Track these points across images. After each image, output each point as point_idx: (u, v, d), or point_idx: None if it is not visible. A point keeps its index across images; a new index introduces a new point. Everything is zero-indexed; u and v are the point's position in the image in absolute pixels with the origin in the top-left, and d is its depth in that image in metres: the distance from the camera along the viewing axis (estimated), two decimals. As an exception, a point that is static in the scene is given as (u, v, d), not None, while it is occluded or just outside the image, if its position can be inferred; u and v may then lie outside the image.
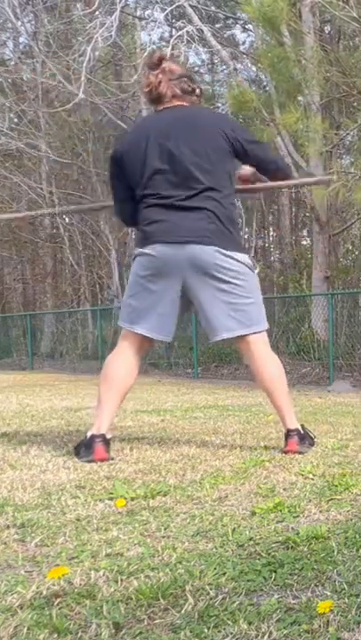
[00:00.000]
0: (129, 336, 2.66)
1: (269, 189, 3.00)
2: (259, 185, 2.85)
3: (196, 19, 10.61)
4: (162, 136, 2.58)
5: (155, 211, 2.59)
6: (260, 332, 2.68)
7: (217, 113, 3.04)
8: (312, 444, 2.77)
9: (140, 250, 2.61)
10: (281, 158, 2.88)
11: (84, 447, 2.57)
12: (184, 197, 2.56)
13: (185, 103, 2.67)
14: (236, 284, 2.61)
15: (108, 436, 2.60)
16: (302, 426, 2.79)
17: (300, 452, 2.64)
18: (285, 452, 2.64)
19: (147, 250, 2.58)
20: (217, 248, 2.57)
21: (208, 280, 2.59)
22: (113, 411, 2.64)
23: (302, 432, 2.74)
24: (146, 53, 10.71)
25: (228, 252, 2.59)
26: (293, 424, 2.73)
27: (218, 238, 2.57)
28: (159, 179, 2.58)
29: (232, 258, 2.60)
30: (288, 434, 2.71)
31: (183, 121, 2.61)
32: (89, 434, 2.60)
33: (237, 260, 2.61)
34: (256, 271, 2.71)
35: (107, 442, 2.57)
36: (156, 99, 2.66)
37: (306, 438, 2.74)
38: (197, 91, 2.73)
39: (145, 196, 2.62)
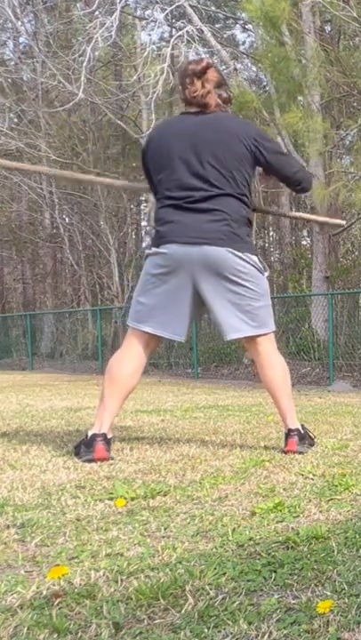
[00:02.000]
0: (136, 335, 2.67)
1: (282, 216, 3.03)
2: (274, 210, 2.93)
3: (196, 19, 10.61)
4: (186, 138, 2.61)
5: (169, 211, 2.61)
6: (267, 333, 2.73)
7: (243, 120, 3.05)
8: (312, 444, 2.78)
9: (154, 249, 2.63)
10: (303, 171, 2.85)
11: (85, 446, 2.57)
12: (199, 199, 2.58)
13: (219, 110, 2.71)
14: (247, 287, 2.65)
15: (109, 436, 2.61)
16: (302, 426, 2.79)
17: (300, 452, 2.65)
18: (285, 452, 2.65)
19: (160, 249, 2.60)
20: (230, 250, 2.60)
21: (220, 281, 2.61)
22: (115, 410, 2.64)
23: (302, 432, 2.75)
24: (146, 53, 10.72)
25: (241, 254, 2.62)
26: (294, 424, 2.74)
27: (231, 240, 2.61)
28: (176, 180, 2.60)
29: (245, 260, 2.63)
30: (288, 433, 2.72)
31: (208, 125, 2.66)
32: (90, 432, 2.60)
33: (249, 263, 2.65)
34: (266, 274, 2.75)
35: (107, 441, 2.58)
36: (200, 105, 2.67)
37: (306, 438, 2.75)
38: (231, 99, 2.83)
39: (161, 196, 2.65)
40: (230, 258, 2.60)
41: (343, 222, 2.56)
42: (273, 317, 2.78)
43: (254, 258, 2.67)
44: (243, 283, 2.63)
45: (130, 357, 2.66)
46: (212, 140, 2.61)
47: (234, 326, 2.66)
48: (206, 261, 2.57)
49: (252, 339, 2.72)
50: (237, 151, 2.63)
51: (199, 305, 2.69)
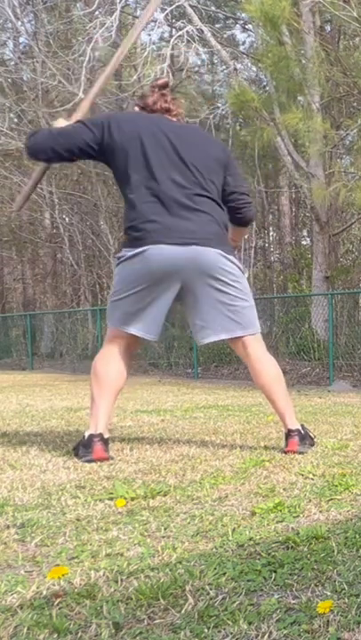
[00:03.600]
0: (118, 335, 2.64)
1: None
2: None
3: (196, 19, 10.61)
4: (170, 134, 2.60)
5: (156, 209, 2.54)
6: (255, 333, 2.73)
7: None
8: (312, 444, 2.77)
9: (134, 250, 2.54)
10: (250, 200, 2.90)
11: (83, 447, 2.57)
12: (188, 198, 2.57)
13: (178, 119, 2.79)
14: (235, 287, 2.65)
15: (106, 436, 2.60)
16: (302, 426, 2.79)
17: (300, 452, 2.64)
18: (286, 452, 2.65)
19: (146, 251, 2.52)
20: (219, 250, 2.60)
21: (210, 282, 2.60)
22: (108, 409, 2.64)
23: (303, 432, 2.74)
24: (146, 53, 10.72)
25: (228, 255, 2.63)
26: (294, 424, 2.73)
27: (219, 241, 2.62)
28: (164, 175, 2.55)
29: (231, 261, 2.64)
30: (289, 434, 2.72)
31: (189, 130, 2.72)
32: (87, 434, 2.60)
33: (234, 263, 2.66)
34: (246, 274, 2.78)
35: (105, 441, 2.57)
36: (161, 111, 2.73)
37: (306, 438, 2.75)
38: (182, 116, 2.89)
39: (141, 190, 2.55)
40: (220, 259, 2.60)
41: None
42: (257, 318, 2.79)
43: (236, 260, 2.70)
44: (232, 283, 2.64)
45: (114, 357, 2.64)
46: (197, 144, 2.65)
47: (224, 327, 2.65)
48: (197, 262, 2.56)
49: (239, 340, 2.70)
50: (218, 159, 2.68)
51: (174, 304, 2.70)
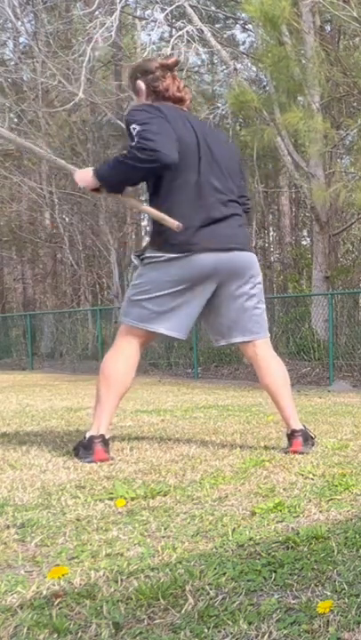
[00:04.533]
0: (133, 334, 2.61)
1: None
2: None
3: (196, 19, 10.61)
4: (204, 135, 2.57)
5: (197, 214, 2.51)
6: (268, 336, 2.80)
7: None
8: (313, 444, 2.77)
9: (177, 254, 2.49)
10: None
11: (83, 448, 2.56)
12: (224, 204, 2.58)
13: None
14: (260, 290, 2.74)
15: (107, 437, 2.60)
16: (304, 426, 2.79)
17: (304, 453, 2.64)
18: (291, 453, 2.64)
19: (188, 255, 2.49)
20: (251, 253, 2.67)
21: (242, 286, 2.65)
22: (112, 411, 2.63)
23: (305, 432, 2.75)
24: (146, 53, 10.71)
25: (255, 258, 2.70)
26: (298, 425, 2.74)
27: (249, 243, 2.70)
28: (204, 179, 2.53)
29: (257, 264, 2.71)
30: (293, 434, 2.72)
31: (213, 131, 2.69)
32: (88, 434, 2.59)
33: (258, 265, 2.74)
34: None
35: (106, 442, 2.57)
36: (174, 100, 2.62)
37: (309, 438, 2.75)
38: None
39: (184, 192, 2.50)
40: (254, 263, 2.68)
41: (177, 225, 2.48)
42: None
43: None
44: (258, 286, 2.72)
45: (124, 357, 2.62)
46: (224, 147, 2.66)
47: (249, 329, 2.70)
48: (236, 267, 2.60)
49: (251, 343, 2.74)
50: (238, 162, 2.72)
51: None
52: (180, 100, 2.62)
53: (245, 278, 2.65)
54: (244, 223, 2.69)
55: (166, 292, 2.55)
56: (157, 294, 2.56)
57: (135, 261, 2.65)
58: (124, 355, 2.62)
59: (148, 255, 2.57)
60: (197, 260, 2.51)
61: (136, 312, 2.59)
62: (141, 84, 2.62)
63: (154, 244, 2.57)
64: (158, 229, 2.55)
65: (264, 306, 2.77)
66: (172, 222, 2.44)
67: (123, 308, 2.65)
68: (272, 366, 2.74)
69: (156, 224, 2.55)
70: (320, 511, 1.78)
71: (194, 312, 2.64)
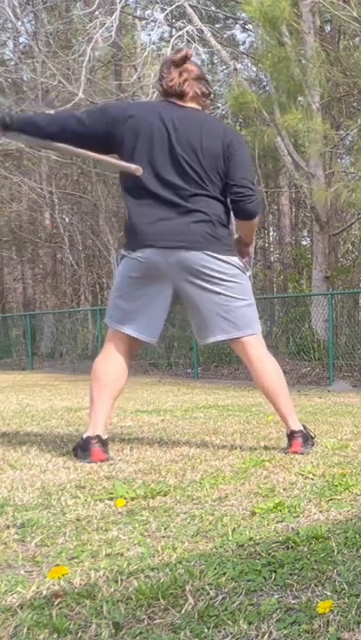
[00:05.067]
0: (117, 336, 2.63)
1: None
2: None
3: (196, 19, 10.61)
4: (170, 128, 2.54)
5: (150, 211, 2.53)
6: (254, 333, 2.70)
7: (223, 123, 2.93)
8: (313, 444, 2.77)
9: (130, 252, 2.56)
10: (256, 190, 2.74)
11: (81, 450, 2.56)
12: (183, 199, 2.54)
13: (198, 106, 2.66)
14: (227, 286, 2.61)
15: (104, 437, 2.59)
16: (304, 426, 2.78)
17: (304, 453, 2.64)
18: (291, 453, 2.64)
19: (137, 253, 2.54)
20: (208, 252, 2.56)
21: (200, 282, 2.59)
22: (107, 411, 2.62)
23: (305, 433, 2.74)
24: (146, 53, 10.71)
25: (219, 255, 2.59)
26: (297, 425, 2.73)
27: (209, 242, 2.57)
28: (160, 175, 2.52)
29: (223, 260, 2.60)
30: (292, 435, 2.71)
31: (190, 122, 2.59)
32: (84, 435, 2.59)
33: (228, 263, 2.62)
34: (248, 274, 2.72)
35: (103, 442, 2.57)
36: (176, 95, 2.61)
37: (309, 439, 2.74)
38: (211, 95, 2.74)
39: (137, 189, 2.53)
40: (208, 259, 2.56)
41: (135, 168, 2.50)
42: (258, 318, 2.75)
43: (234, 258, 2.65)
44: (223, 283, 2.60)
45: (114, 359, 2.62)
46: (197, 137, 2.55)
47: (221, 328, 2.64)
48: (184, 264, 2.55)
49: (238, 341, 2.68)
50: (216, 153, 2.57)
51: (173, 305, 2.69)
52: (181, 94, 2.60)
53: (201, 276, 2.57)
54: (213, 218, 2.57)
55: (129, 289, 2.59)
56: (124, 292, 2.60)
57: (118, 259, 2.70)
58: (113, 357, 2.63)
59: (121, 252, 2.64)
60: (145, 256, 2.52)
61: (113, 312, 2.63)
62: (158, 86, 2.68)
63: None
64: (125, 226, 2.62)
65: (242, 302, 2.65)
66: (130, 167, 2.48)
67: (107, 308, 2.70)
68: (266, 366, 2.70)
69: (127, 221, 2.60)
70: (320, 511, 1.78)
71: (158, 314, 2.62)
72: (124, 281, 2.61)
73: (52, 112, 2.50)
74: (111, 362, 2.63)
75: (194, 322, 2.72)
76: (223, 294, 2.61)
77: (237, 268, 2.65)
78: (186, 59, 2.61)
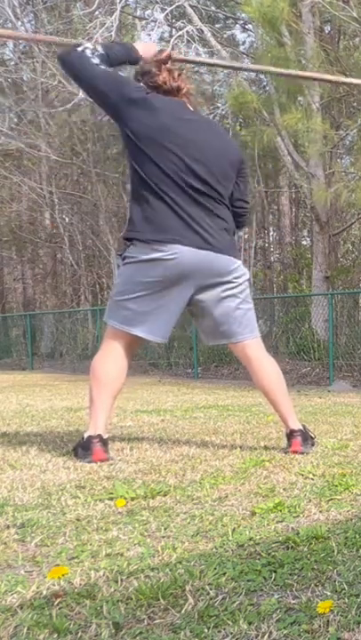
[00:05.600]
0: (119, 336, 2.61)
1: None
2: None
3: (196, 19, 10.61)
4: (191, 132, 2.54)
5: (172, 213, 2.51)
6: (257, 336, 2.77)
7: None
8: (313, 444, 2.77)
9: (152, 255, 2.50)
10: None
11: (82, 449, 2.56)
12: (205, 203, 2.56)
13: (188, 101, 2.69)
14: (241, 290, 2.69)
15: (105, 436, 2.60)
16: (303, 426, 2.79)
17: (304, 453, 2.64)
18: (291, 453, 2.64)
19: (161, 255, 2.49)
20: (229, 257, 2.63)
21: (221, 287, 2.63)
22: (107, 410, 2.62)
23: (305, 432, 2.74)
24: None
25: (237, 260, 2.68)
26: (296, 425, 2.73)
27: (231, 247, 2.66)
28: (181, 177, 2.51)
29: (239, 265, 2.69)
30: (291, 434, 2.71)
31: (210, 129, 2.68)
32: (85, 435, 2.59)
33: (242, 268, 2.71)
34: (248, 277, 2.80)
35: (104, 442, 2.57)
36: (172, 91, 2.62)
37: (308, 439, 2.74)
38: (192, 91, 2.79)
39: (162, 184, 2.50)
40: (231, 264, 2.63)
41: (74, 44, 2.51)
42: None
43: (242, 264, 2.73)
44: (239, 287, 2.68)
45: (114, 359, 2.61)
46: (216, 144, 2.61)
47: (233, 331, 2.69)
48: (211, 267, 2.57)
49: (241, 344, 2.72)
50: (233, 163, 2.65)
51: (186, 307, 2.70)
52: (178, 89, 2.64)
53: (225, 280, 2.62)
54: (227, 226, 2.64)
55: (144, 292, 2.55)
56: (136, 295, 2.56)
57: (118, 261, 2.67)
58: (112, 356, 2.62)
59: (124, 255, 2.59)
60: (171, 256, 2.51)
61: (117, 313, 2.60)
62: (147, 84, 2.65)
63: (132, 242, 2.60)
64: (138, 227, 2.58)
65: (250, 306, 2.73)
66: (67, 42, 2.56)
67: (107, 308, 2.67)
68: (265, 367, 2.73)
69: (129, 221, 2.59)
70: (320, 511, 1.78)
71: (173, 315, 2.62)
72: (136, 285, 2.54)
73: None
74: (110, 361, 2.62)
75: (205, 325, 2.73)
76: (239, 298, 2.68)
77: (244, 272, 2.73)
78: (169, 58, 2.69)
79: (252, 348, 2.72)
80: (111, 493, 1.96)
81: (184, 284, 2.57)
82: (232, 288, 2.65)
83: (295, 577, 1.31)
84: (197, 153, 2.54)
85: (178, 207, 2.52)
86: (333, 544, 1.49)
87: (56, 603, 1.18)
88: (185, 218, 2.52)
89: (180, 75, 2.67)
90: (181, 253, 2.51)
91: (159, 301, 2.57)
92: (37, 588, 1.25)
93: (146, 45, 2.71)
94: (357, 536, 1.55)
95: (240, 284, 2.68)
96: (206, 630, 1.07)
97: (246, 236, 16.73)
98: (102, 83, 2.50)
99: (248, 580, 1.28)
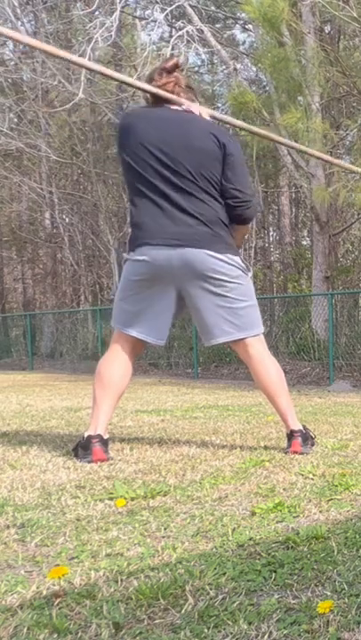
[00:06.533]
0: (122, 338, 2.64)
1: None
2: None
3: (196, 19, 10.61)
4: (163, 134, 2.54)
5: (149, 210, 2.53)
6: (257, 334, 2.70)
7: (216, 125, 2.89)
8: (313, 444, 2.77)
9: (131, 254, 2.56)
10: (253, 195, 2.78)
11: (82, 449, 2.56)
12: (178, 199, 2.53)
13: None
14: (230, 288, 2.61)
15: (105, 437, 2.60)
16: (304, 426, 2.79)
17: (304, 453, 2.64)
18: (291, 453, 2.64)
19: (137, 255, 2.54)
20: (207, 251, 2.54)
21: (202, 284, 2.58)
22: (109, 411, 2.63)
23: (305, 432, 2.74)
24: (146, 53, 10.72)
25: (220, 255, 2.58)
26: (296, 425, 2.73)
27: (209, 241, 2.56)
28: (154, 175, 2.51)
29: (224, 261, 2.58)
30: (292, 434, 2.71)
31: (184, 123, 2.60)
32: (85, 434, 2.59)
33: (229, 263, 2.60)
34: (250, 274, 2.71)
35: (104, 442, 2.57)
36: (166, 100, 2.63)
37: (308, 439, 2.74)
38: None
39: (136, 192, 2.54)
40: (209, 259, 2.55)
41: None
42: (261, 318, 2.75)
43: (236, 258, 2.63)
44: (226, 285, 2.59)
45: (118, 360, 2.63)
46: (189, 138, 2.55)
47: (222, 329, 2.63)
48: (185, 264, 2.53)
49: (241, 341, 2.68)
50: (213, 153, 2.56)
51: (181, 307, 2.68)
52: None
53: (205, 277, 2.56)
54: (209, 219, 2.56)
55: (132, 292, 2.59)
56: (127, 295, 2.60)
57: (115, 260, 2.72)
58: (118, 358, 2.64)
59: (124, 255, 2.64)
60: (146, 257, 2.51)
61: (118, 315, 2.64)
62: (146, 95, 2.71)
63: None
64: (130, 225, 2.62)
65: (245, 304, 2.65)
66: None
67: (113, 310, 2.70)
68: (267, 366, 2.70)
69: (131, 221, 2.61)
70: (320, 511, 1.78)
71: (163, 316, 2.61)
72: (126, 284, 2.61)
73: None
74: (116, 362, 2.64)
75: (198, 324, 2.72)
76: (226, 296, 2.60)
77: (239, 268, 2.64)
78: (176, 67, 2.67)
79: (254, 347, 2.68)
80: (111, 493, 1.96)
81: (163, 285, 2.57)
82: (216, 285, 2.57)
83: (295, 577, 1.31)
84: (165, 147, 2.51)
85: (151, 205, 2.52)
86: (333, 544, 1.49)
87: (56, 603, 1.18)
88: (156, 217, 2.51)
89: (176, 84, 2.65)
90: (150, 255, 2.51)
91: (147, 301, 2.58)
92: (37, 587, 1.25)
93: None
94: (357, 536, 1.55)
95: (226, 281, 2.58)
96: (206, 630, 1.07)
97: (246, 237, 16.73)
98: None
99: (248, 580, 1.28)
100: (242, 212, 2.65)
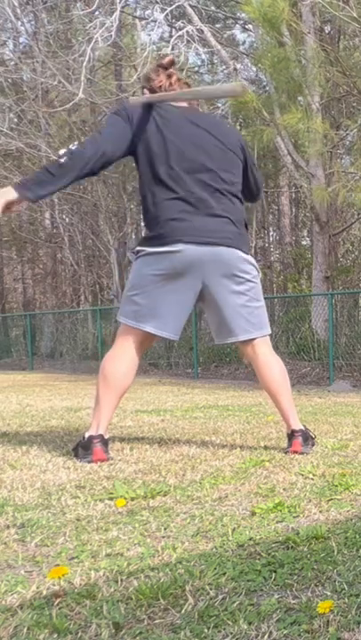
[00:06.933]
0: (131, 333, 2.60)
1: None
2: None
3: (196, 19, 10.61)
4: (191, 132, 2.55)
5: (181, 207, 2.52)
6: (267, 334, 2.74)
7: (230, 125, 2.97)
8: (313, 444, 2.77)
9: (153, 249, 2.52)
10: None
11: (82, 448, 2.56)
12: (211, 197, 2.55)
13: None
14: (250, 287, 2.66)
15: (106, 437, 2.60)
16: (304, 426, 2.79)
17: (304, 453, 2.64)
18: (291, 453, 2.64)
19: (167, 248, 2.50)
20: (238, 250, 2.60)
21: (227, 282, 2.60)
22: (111, 411, 2.62)
23: (306, 433, 2.74)
24: (146, 53, 10.71)
25: (246, 255, 2.63)
26: (298, 425, 2.73)
27: (238, 241, 2.61)
28: (188, 171, 2.52)
29: (248, 260, 2.64)
30: (293, 434, 2.71)
31: (209, 123, 2.65)
32: (87, 434, 2.59)
33: (251, 263, 2.67)
34: (260, 275, 2.76)
35: (105, 442, 2.57)
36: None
37: (309, 439, 2.74)
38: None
39: (167, 187, 2.52)
40: (239, 259, 2.60)
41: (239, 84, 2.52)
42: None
43: (253, 260, 2.69)
44: (246, 283, 2.64)
45: (124, 356, 2.61)
46: (218, 138, 2.60)
47: (243, 328, 2.65)
48: (217, 262, 2.55)
49: (251, 341, 2.70)
50: (236, 151, 2.65)
51: (194, 305, 2.69)
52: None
53: (233, 275, 2.59)
54: (236, 218, 2.61)
55: (151, 286, 2.54)
56: (144, 289, 2.55)
57: (131, 258, 2.67)
58: (124, 355, 2.61)
59: (136, 250, 2.60)
60: (177, 251, 2.51)
61: (129, 309, 2.59)
62: (145, 91, 2.70)
63: (143, 237, 2.62)
64: (146, 223, 2.60)
65: (259, 304, 2.69)
66: (234, 87, 2.68)
67: (120, 305, 2.66)
68: (272, 366, 2.72)
69: (145, 219, 2.59)
70: (320, 511, 1.78)
71: (184, 311, 2.61)
72: (143, 278, 2.56)
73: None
74: (121, 360, 2.61)
75: (214, 321, 2.71)
76: (247, 295, 2.64)
77: (256, 269, 2.70)
78: (172, 63, 2.69)
79: (261, 346, 2.71)
80: (111, 493, 1.96)
81: (190, 278, 2.55)
82: (239, 284, 2.61)
83: (295, 577, 1.31)
84: (194, 146, 2.54)
85: (181, 203, 2.52)
86: (333, 544, 1.49)
87: (56, 603, 1.18)
88: (185, 216, 2.51)
89: (178, 79, 2.68)
90: (186, 249, 2.51)
91: (167, 296, 2.55)
92: (37, 587, 1.25)
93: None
94: (357, 536, 1.55)
95: (248, 280, 2.64)
96: (206, 630, 1.07)
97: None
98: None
99: (248, 580, 1.28)
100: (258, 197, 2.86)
